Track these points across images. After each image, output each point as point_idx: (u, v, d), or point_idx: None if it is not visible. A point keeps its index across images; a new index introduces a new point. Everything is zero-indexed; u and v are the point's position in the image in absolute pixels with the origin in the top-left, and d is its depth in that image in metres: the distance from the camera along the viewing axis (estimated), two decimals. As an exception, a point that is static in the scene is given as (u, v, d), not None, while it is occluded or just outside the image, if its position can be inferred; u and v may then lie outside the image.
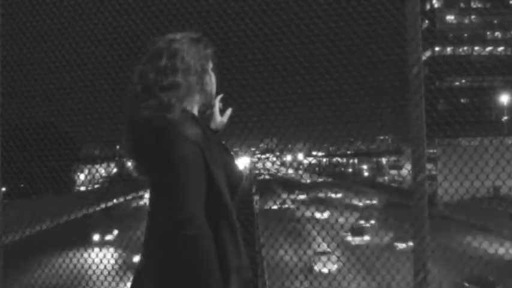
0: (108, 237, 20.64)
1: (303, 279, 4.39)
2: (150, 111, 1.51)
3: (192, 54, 1.63)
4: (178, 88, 1.56)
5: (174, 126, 1.48)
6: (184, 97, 1.58)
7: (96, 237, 20.90)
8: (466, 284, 15.87)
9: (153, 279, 1.47)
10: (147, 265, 1.52)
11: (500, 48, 46.83)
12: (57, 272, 4.29)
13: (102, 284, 4.12)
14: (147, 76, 1.57)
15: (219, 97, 1.83)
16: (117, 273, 4.41)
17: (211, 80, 1.72)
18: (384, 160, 54.57)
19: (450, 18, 46.59)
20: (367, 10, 3.97)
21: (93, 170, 5.90)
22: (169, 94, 1.54)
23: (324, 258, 14.44)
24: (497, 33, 47.40)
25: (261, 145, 5.44)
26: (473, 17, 47.56)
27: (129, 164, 1.68)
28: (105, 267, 4.32)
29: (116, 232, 21.69)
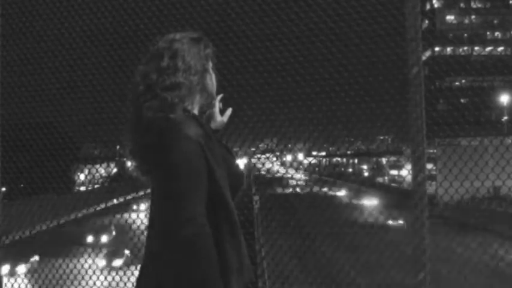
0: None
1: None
2: (153, 111, 1.51)
3: (193, 54, 1.63)
4: (180, 88, 1.57)
5: (176, 126, 1.48)
6: (186, 97, 1.58)
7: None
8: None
9: (155, 279, 1.47)
10: (149, 265, 1.52)
11: (500, 48, 46.86)
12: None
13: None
14: (149, 76, 1.58)
15: (219, 97, 1.84)
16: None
17: (212, 80, 1.72)
18: (384, 160, 54.58)
19: (450, 18, 46.63)
20: (366, 10, 3.97)
21: (93, 170, 5.90)
22: (171, 94, 1.54)
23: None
24: (497, 33, 47.43)
25: (261, 145, 5.44)
26: (473, 17, 47.58)
27: (129, 164, 1.68)
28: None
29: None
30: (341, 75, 4.15)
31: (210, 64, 1.72)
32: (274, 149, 5.53)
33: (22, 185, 4.88)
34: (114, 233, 23.00)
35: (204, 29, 4.20)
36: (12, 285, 4.43)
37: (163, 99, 1.53)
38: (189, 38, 1.67)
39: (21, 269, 14.59)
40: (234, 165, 1.67)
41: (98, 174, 5.96)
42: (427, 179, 3.04)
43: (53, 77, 4.71)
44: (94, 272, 4.39)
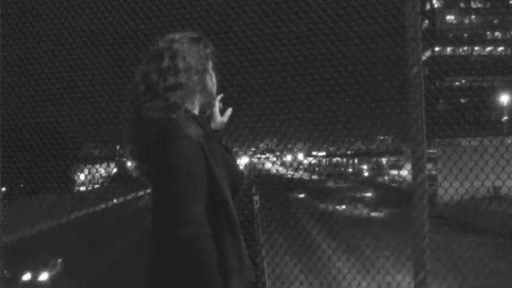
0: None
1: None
2: (155, 112, 1.51)
3: (193, 54, 1.63)
4: (181, 88, 1.57)
5: (176, 126, 1.48)
6: (187, 97, 1.58)
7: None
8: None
9: (156, 279, 1.47)
10: (150, 265, 1.52)
11: (500, 48, 46.86)
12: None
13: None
14: (149, 76, 1.58)
15: (219, 97, 1.84)
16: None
17: (212, 80, 1.72)
18: (384, 160, 54.53)
19: (450, 18, 46.63)
20: (366, 10, 3.97)
21: (93, 170, 5.89)
22: (173, 95, 1.54)
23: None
24: (497, 33, 47.43)
25: (261, 145, 5.44)
26: (473, 17, 47.59)
27: (129, 164, 1.68)
28: None
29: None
30: (341, 75, 4.15)
31: (210, 64, 1.72)
32: (274, 149, 5.53)
33: (22, 185, 4.88)
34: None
35: (204, 29, 4.20)
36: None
37: (166, 100, 1.53)
38: (188, 38, 1.67)
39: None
40: (234, 165, 1.67)
41: (98, 174, 5.95)
42: (427, 179, 3.04)
43: (53, 77, 4.70)
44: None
